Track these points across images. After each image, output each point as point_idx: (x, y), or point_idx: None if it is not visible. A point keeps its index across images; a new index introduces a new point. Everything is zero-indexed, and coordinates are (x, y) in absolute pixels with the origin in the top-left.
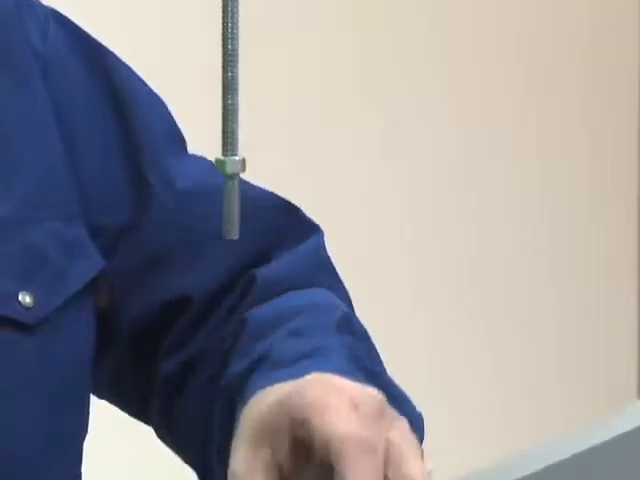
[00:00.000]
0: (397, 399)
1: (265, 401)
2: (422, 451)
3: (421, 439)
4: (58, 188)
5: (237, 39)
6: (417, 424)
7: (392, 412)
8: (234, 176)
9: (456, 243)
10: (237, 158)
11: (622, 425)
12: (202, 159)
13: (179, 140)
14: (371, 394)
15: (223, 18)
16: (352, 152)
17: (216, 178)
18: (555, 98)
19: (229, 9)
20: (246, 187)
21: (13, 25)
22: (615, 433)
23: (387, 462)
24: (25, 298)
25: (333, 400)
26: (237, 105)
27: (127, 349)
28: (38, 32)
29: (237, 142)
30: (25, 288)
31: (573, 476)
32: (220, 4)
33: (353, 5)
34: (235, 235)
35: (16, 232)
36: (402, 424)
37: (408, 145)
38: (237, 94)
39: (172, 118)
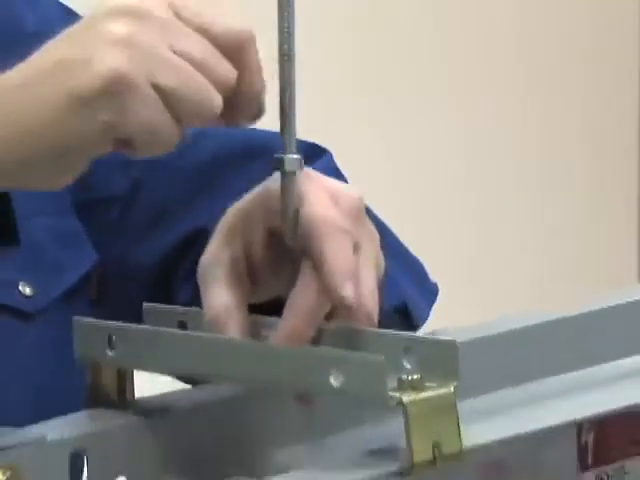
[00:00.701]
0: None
1: (245, 198)
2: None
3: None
4: None
5: (293, 38)
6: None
7: (369, 221)
8: (292, 174)
9: (456, 243)
10: (295, 156)
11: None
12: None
13: None
14: (352, 194)
15: (279, 18)
16: (352, 152)
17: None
18: (555, 98)
19: (285, 9)
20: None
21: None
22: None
23: None
24: (25, 289)
25: (313, 189)
26: (294, 104)
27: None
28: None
29: (294, 140)
30: (25, 279)
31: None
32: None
33: (354, 5)
34: (295, 237)
35: (20, 225)
36: (374, 235)
37: (408, 145)
38: (294, 93)
39: None
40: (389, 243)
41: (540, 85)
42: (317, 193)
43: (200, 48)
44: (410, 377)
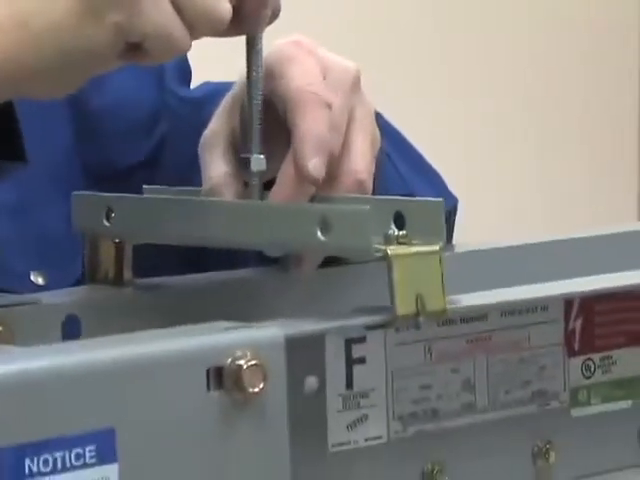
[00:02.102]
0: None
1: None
2: (377, 143)
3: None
4: (69, 170)
5: (261, 43)
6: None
7: (364, 95)
8: (259, 173)
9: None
10: (261, 156)
11: None
12: (205, 83)
13: (189, 72)
14: (346, 66)
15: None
16: None
17: (222, 89)
18: (555, 98)
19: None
20: None
21: None
22: None
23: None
24: (37, 278)
25: (303, 56)
26: (260, 104)
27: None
28: None
29: (259, 140)
30: (37, 268)
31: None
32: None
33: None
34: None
35: (29, 215)
36: (369, 109)
37: None
38: (260, 93)
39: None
40: (404, 148)
41: (540, 85)
42: (304, 64)
43: None
44: (397, 233)
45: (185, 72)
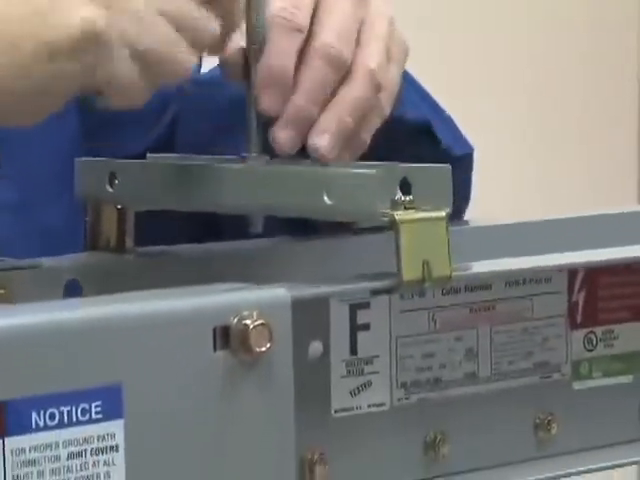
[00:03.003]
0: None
1: None
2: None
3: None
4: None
5: (264, 38)
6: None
7: (380, 4)
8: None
9: None
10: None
11: None
12: (215, 68)
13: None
14: None
15: (247, 16)
16: None
17: None
18: (555, 98)
19: (255, 7)
20: None
21: None
22: None
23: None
24: None
25: None
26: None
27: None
28: None
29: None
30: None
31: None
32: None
33: None
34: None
35: (32, 213)
36: (383, 15)
37: None
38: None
39: None
40: (419, 88)
41: (540, 85)
42: None
43: (179, 5)
44: (403, 198)
45: None
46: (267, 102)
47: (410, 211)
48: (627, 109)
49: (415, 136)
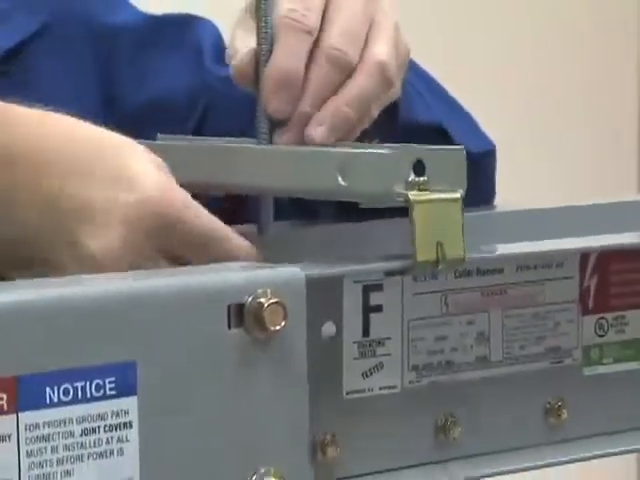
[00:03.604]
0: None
1: None
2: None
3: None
4: None
5: (270, 39)
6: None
7: (387, 6)
8: None
9: None
10: None
11: None
12: None
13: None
14: None
15: (257, 20)
16: None
17: None
18: (555, 98)
19: (263, 13)
20: None
21: None
22: None
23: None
24: None
25: None
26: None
27: None
28: None
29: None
30: None
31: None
32: None
33: None
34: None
35: None
36: (391, 17)
37: None
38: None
39: (221, 35)
40: (433, 86)
41: (540, 85)
42: None
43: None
44: (417, 179)
45: (222, 51)
46: (277, 105)
47: (425, 192)
48: (628, 108)
49: (430, 138)
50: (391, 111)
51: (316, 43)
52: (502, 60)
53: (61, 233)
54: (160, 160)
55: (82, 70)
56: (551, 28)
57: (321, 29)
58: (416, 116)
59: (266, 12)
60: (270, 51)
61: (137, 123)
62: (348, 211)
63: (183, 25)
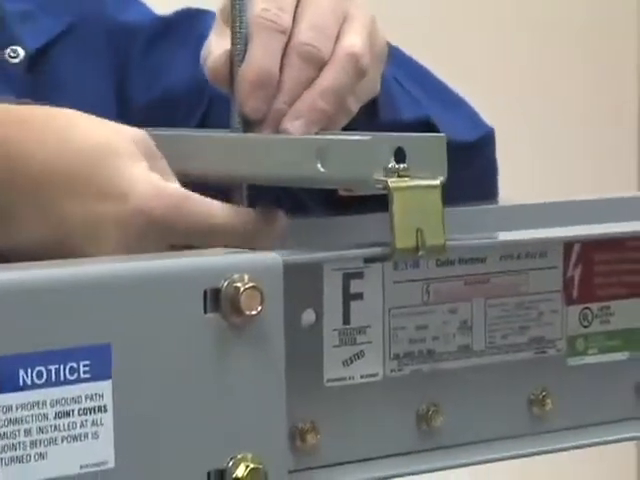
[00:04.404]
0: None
1: None
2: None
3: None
4: None
5: (245, 39)
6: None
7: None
8: None
9: None
10: None
11: None
12: None
13: None
14: None
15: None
16: None
17: None
18: (555, 98)
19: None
20: None
21: None
22: None
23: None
24: None
25: None
26: None
27: None
28: None
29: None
30: None
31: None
32: None
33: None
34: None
35: None
36: (364, 12)
37: None
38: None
39: None
40: (420, 76)
41: (540, 84)
42: None
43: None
44: (397, 166)
45: None
46: (253, 104)
47: (404, 179)
48: (628, 107)
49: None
50: (372, 111)
51: (288, 41)
52: (502, 60)
53: (65, 248)
54: (154, 150)
55: (102, 68)
56: (551, 28)
57: (292, 26)
58: (400, 115)
59: (240, 12)
60: (244, 51)
61: (149, 119)
62: (337, 208)
63: (191, 19)
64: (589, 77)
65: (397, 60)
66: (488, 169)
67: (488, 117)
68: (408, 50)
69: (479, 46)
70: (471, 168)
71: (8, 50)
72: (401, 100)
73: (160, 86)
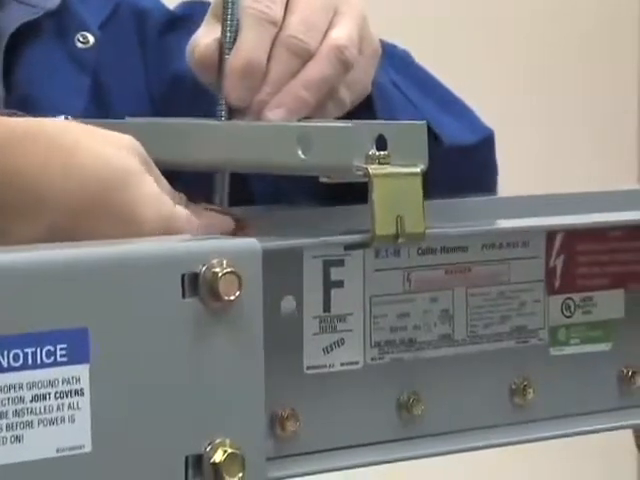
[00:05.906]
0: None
1: None
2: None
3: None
4: None
5: (234, 34)
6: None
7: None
8: None
9: None
10: None
11: None
12: None
13: None
14: None
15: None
16: None
17: None
18: (555, 98)
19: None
20: None
21: None
22: None
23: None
24: None
25: None
26: None
27: None
28: None
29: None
30: None
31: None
32: None
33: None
34: None
35: None
36: (355, 8)
37: None
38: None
39: None
40: (418, 79)
41: (540, 84)
42: None
43: None
44: (378, 153)
45: None
46: (239, 93)
47: (385, 166)
48: (628, 106)
49: None
50: (369, 116)
51: (278, 33)
52: (502, 59)
53: None
54: (146, 156)
55: (136, 64)
56: (551, 27)
57: (283, 19)
58: (401, 115)
59: (232, 2)
60: (234, 41)
61: (163, 107)
62: (320, 199)
63: (199, 6)
64: (589, 77)
65: (397, 63)
66: (488, 171)
67: (488, 117)
68: (408, 50)
69: (479, 46)
70: (471, 171)
71: (78, 35)
72: (398, 105)
73: (170, 71)
